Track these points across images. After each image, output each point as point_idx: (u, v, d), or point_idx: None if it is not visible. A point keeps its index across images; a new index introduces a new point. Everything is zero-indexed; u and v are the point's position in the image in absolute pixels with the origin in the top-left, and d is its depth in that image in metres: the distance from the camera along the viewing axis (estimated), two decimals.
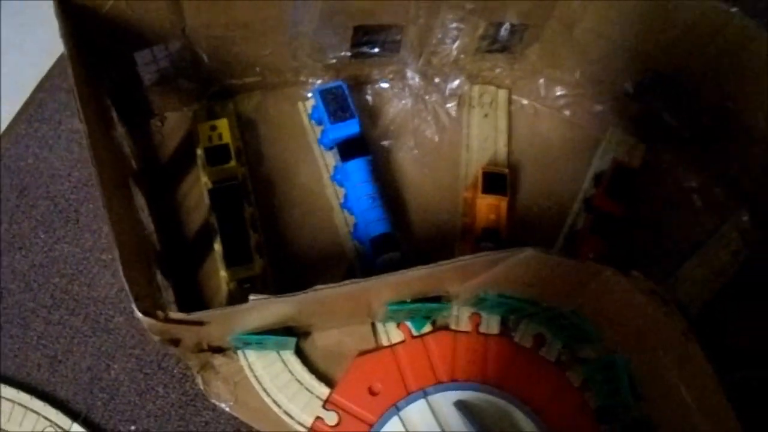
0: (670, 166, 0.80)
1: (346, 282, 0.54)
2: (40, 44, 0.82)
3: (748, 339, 0.74)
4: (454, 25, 0.72)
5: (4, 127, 0.79)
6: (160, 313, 0.53)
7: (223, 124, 0.74)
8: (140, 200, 0.69)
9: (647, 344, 0.62)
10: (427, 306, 0.65)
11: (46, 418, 0.69)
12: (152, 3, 0.66)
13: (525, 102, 0.82)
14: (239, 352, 0.69)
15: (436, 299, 0.66)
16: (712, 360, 0.59)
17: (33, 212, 0.76)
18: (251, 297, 0.53)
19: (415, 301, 0.64)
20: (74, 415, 0.70)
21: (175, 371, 0.72)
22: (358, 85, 0.80)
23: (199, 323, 0.56)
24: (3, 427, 0.68)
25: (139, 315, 0.52)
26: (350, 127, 0.73)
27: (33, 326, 0.73)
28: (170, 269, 0.70)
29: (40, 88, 0.81)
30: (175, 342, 0.61)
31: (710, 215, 0.78)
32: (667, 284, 0.74)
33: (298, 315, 0.63)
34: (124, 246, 0.55)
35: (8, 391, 0.70)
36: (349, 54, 0.75)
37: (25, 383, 0.71)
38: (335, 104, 0.74)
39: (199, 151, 0.74)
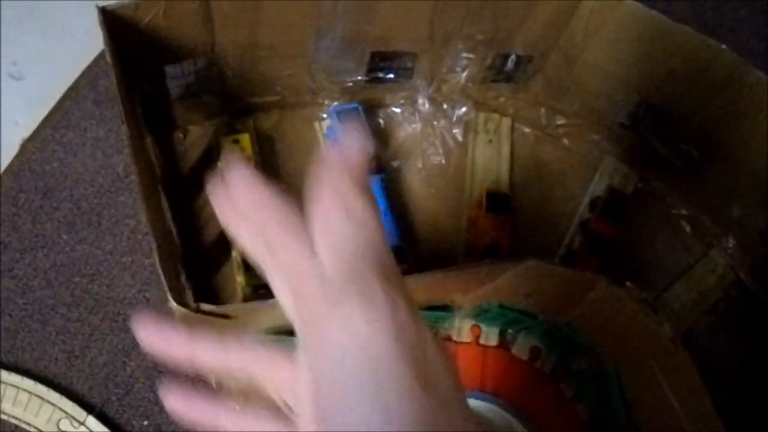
0: (661, 194, 0.85)
1: None
2: (68, 55, 0.86)
3: (733, 359, 0.79)
4: (464, 54, 0.77)
5: (30, 132, 0.83)
6: (192, 304, 0.57)
7: (245, 139, 0.78)
8: (165, 205, 0.73)
9: (638, 353, 0.66)
10: (433, 314, 0.69)
11: (62, 410, 0.72)
12: (186, 21, 0.70)
13: (527, 130, 0.87)
14: None
15: (441, 308, 0.70)
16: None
17: (56, 214, 0.80)
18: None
19: (421, 308, 0.68)
20: (89, 408, 0.72)
21: (188, 371, 0.75)
22: (371, 108, 0.84)
23: (226, 317, 0.60)
24: (20, 416, 0.71)
25: (174, 305, 0.56)
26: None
27: (52, 322, 0.76)
28: (190, 274, 0.73)
29: (67, 96, 0.85)
30: None
31: (698, 241, 0.83)
32: (656, 304, 0.79)
33: None
34: (159, 239, 0.58)
35: (26, 383, 0.72)
36: (364, 78, 0.80)
37: (43, 376, 0.74)
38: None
39: (221, 163, 0.78)
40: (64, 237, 0.79)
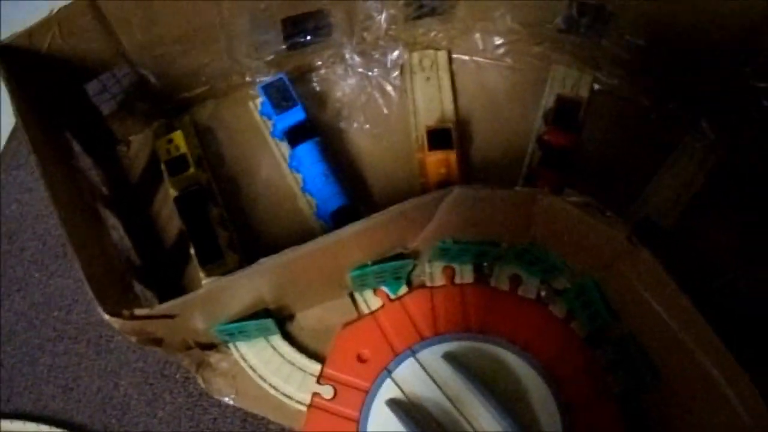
0: (621, 91, 0.80)
1: (286, 250, 0.57)
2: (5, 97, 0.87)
3: (726, 245, 0.75)
4: None
5: None
6: (125, 312, 0.56)
7: (177, 136, 0.77)
8: (114, 221, 0.73)
9: (603, 259, 0.63)
10: (389, 265, 0.67)
11: None
12: (87, 35, 0.69)
13: (466, 58, 0.83)
14: (231, 345, 0.71)
15: (399, 257, 0.68)
16: (662, 260, 0.59)
17: (24, 254, 0.80)
18: (203, 281, 0.56)
19: (375, 263, 0.66)
20: None
21: (177, 376, 0.75)
22: (303, 74, 0.82)
23: (169, 316, 0.59)
24: None
25: (106, 317, 0.55)
26: (295, 115, 0.76)
27: (41, 361, 0.76)
28: (154, 281, 0.73)
29: (12, 137, 0.86)
30: (157, 341, 0.63)
31: (670, 129, 0.79)
32: (638, 202, 0.75)
33: (271, 293, 0.65)
34: (85, 259, 0.58)
35: (29, 427, 0.73)
36: (284, 47, 0.78)
37: (43, 416, 0.74)
38: (278, 96, 0.77)
39: (163, 166, 0.77)
40: (36, 275, 0.80)
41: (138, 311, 0.56)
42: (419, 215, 0.61)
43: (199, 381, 0.72)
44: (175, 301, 0.57)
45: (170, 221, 0.78)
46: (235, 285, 0.59)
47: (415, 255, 0.69)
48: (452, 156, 0.74)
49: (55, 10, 0.66)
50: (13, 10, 0.88)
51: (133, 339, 0.61)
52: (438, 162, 0.74)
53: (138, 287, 0.69)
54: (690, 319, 0.58)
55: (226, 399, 0.71)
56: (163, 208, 0.79)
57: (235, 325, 0.66)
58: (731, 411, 0.56)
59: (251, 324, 0.67)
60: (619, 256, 0.61)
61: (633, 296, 0.62)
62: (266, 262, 0.56)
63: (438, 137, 0.75)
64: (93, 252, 0.63)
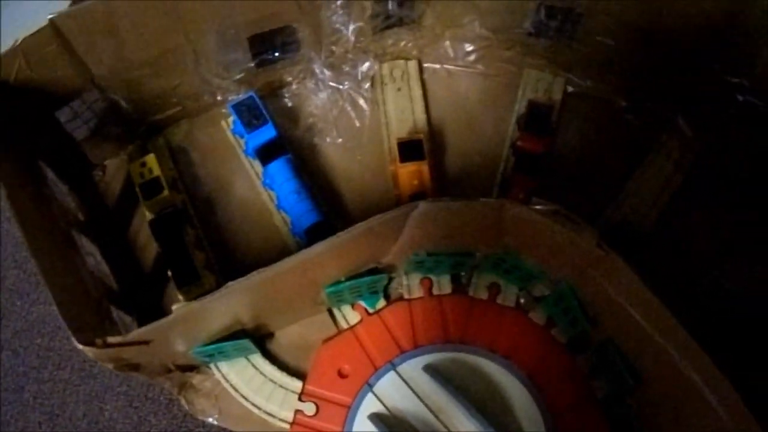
0: (595, 92, 0.80)
1: (254, 273, 0.57)
2: None
3: (710, 244, 0.74)
4: (340, 12, 0.74)
5: None
6: (98, 340, 0.56)
7: (150, 159, 0.77)
8: (90, 247, 0.72)
9: (576, 266, 0.63)
10: (364, 280, 0.67)
11: None
12: (54, 63, 0.69)
13: (437, 67, 0.83)
14: (212, 365, 0.71)
15: (373, 272, 0.68)
16: (632, 264, 0.59)
17: (5, 284, 0.81)
18: (174, 307, 0.56)
19: (350, 278, 0.66)
20: None
21: (161, 399, 0.75)
22: (274, 91, 0.82)
23: (143, 342, 0.59)
24: None
25: (79, 346, 0.55)
26: (266, 133, 0.76)
27: (27, 388, 0.77)
28: (134, 305, 0.73)
29: None
30: (135, 367, 0.63)
31: (646, 129, 0.78)
32: (615, 204, 0.75)
33: (247, 314, 0.65)
34: (57, 287, 0.58)
35: None
36: (253, 65, 0.78)
37: None
38: (249, 114, 0.77)
39: (137, 189, 0.77)
40: (18, 303, 0.80)
41: (111, 339, 0.56)
42: (388, 231, 0.61)
43: (182, 402, 0.72)
44: (147, 328, 0.57)
45: (148, 244, 0.78)
46: (207, 309, 0.59)
47: (390, 269, 0.69)
48: (424, 167, 0.74)
49: (20, 41, 0.66)
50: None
51: (110, 366, 0.61)
52: (410, 174, 0.74)
53: (116, 313, 0.69)
54: (666, 323, 0.57)
55: (210, 419, 0.71)
56: (140, 231, 0.79)
57: (213, 346, 0.66)
58: (713, 415, 0.55)
59: (228, 345, 0.67)
60: (591, 263, 0.61)
61: (608, 302, 0.62)
62: (234, 286, 0.56)
63: (409, 149, 0.74)
64: (66, 280, 0.63)
